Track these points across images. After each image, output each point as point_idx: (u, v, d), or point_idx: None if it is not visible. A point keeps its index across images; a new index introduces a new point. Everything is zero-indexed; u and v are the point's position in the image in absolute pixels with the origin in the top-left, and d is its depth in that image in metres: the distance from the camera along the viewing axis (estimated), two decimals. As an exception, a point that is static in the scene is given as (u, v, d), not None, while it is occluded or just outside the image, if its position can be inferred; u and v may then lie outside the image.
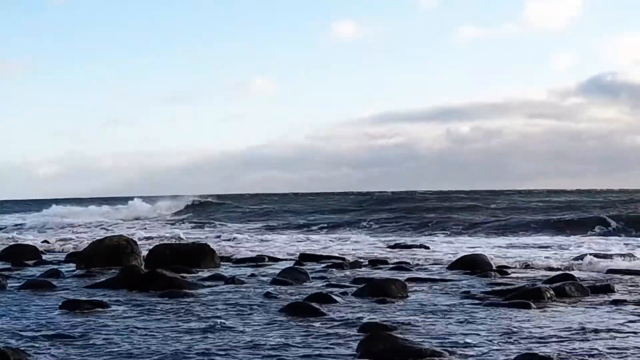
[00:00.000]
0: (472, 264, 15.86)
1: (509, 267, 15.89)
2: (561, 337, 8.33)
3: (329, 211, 44.28)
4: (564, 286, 11.55)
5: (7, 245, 21.44)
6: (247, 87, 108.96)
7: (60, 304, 10.60)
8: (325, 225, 34.42)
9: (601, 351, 7.60)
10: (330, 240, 25.06)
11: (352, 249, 21.23)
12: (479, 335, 8.47)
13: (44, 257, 19.46)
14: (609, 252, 18.23)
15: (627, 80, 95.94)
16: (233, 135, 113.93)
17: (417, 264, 16.98)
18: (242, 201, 60.18)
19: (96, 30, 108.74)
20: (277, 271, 14.47)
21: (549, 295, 10.93)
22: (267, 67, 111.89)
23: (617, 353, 7.53)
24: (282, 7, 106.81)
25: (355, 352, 7.53)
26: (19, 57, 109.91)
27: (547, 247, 21.48)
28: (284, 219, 39.63)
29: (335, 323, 9.25)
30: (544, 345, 7.86)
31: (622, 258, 16.75)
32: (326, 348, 7.85)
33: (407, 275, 14.40)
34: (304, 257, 18.37)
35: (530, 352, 7.37)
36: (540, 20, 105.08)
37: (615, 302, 10.73)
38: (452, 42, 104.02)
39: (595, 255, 17.01)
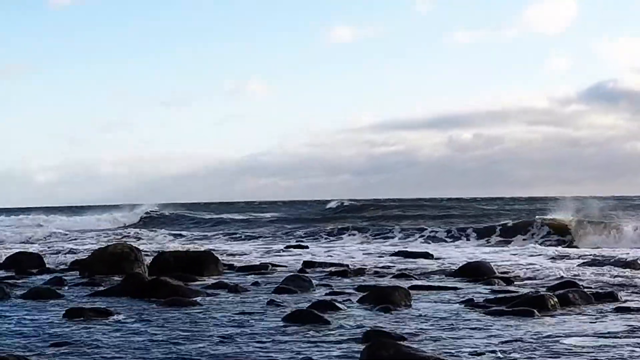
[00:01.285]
0: (476, 271, 15.85)
1: (513, 275, 15.89)
2: (565, 345, 8.32)
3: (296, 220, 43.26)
4: (568, 294, 11.53)
5: (10, 254, 21.46)
6: (245, 90, 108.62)
7: (64, 312, 10.61)
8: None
9: (605, 359, 7.59)
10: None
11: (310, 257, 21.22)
12: (482, 343, 8.47)
13: (47, 265, 19.47)
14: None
15: (627, 87, 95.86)
16: (231, 140, 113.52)
17: (420, 272, 16.96)
18: (230, 209, 59.78)
19: (93, 33, 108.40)
20: (281, 279, 14.48)
21: (552, 302, 10.90)
22: (265, 71, 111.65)
23: (621, 361, 7.54)
24: (280, 12, 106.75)
25: (359, 360, 7.54)
26: (16, 61, 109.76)
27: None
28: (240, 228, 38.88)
29: (339, 331, 9.25)
30: (548, 354, 7.86)
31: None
32: (330, 356, 7.85)
33: (411, 282, 14.40)
34: (308, 265, 18.38)
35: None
36: (540, 28, 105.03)
37: (620, 310, 10.71)
38: (452, 49, 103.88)
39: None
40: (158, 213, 50.40)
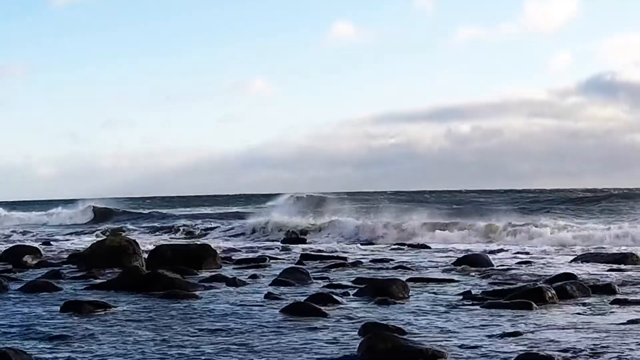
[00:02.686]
0: (473, 264, 15.87)
1: (511, 266, 15.91)
2: (562, 337, 8.32)
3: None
4: (565, 286, 11.53)
5: (8, 247, 21.46)
6: (246, 87, 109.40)
7: (61, 305, 10.58)
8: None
9: (603, 351, 7.59)
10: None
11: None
12: (480, 335, 8.47)
13: (44, 258, 19.44)
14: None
15: (625, 80, 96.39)
16: (232, 136, 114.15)
17: (418, 264, 16.98)
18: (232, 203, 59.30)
19: (95, 32, 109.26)
20: (279, 272, 14.47)
21: (550, 295, 10.90)
22: (266, 68, 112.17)
23: (619, 353, 7.52)
24: (281, 8, 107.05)
25: (356, 353, 7.53)
26: (19, 60, 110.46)
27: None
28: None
29: (337, 323, 9.25)
30: (546, 346, 7.85)
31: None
32: (327, 348, 7.85)
33: (408, 275, 14.41)
34: (306, 257, 18.38)
35: (531, 352, 7.37)
36: (539, 21, 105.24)
37: (617, 302, 10.71)
38: (452, 42, 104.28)
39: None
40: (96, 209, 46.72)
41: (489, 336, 8.39)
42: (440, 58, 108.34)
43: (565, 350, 7.61)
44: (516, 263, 16.83)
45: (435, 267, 16.39)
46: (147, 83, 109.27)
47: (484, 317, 9.61)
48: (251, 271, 15.44)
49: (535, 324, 9.09)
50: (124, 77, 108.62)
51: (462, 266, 15.81)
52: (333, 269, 15.82)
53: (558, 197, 48.24)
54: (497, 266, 15.95)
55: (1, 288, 12.51)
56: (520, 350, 7.53)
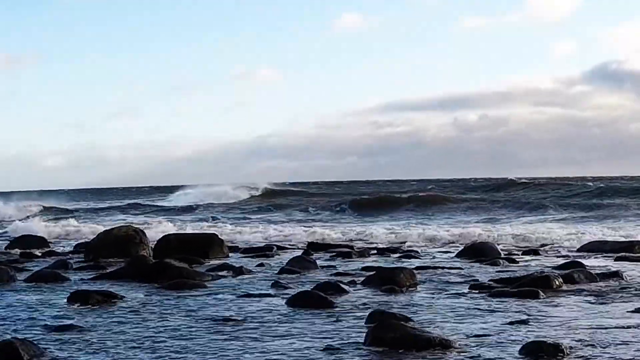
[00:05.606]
0: (481, 252, 15.84)
1: (517, 255, 15.89)
2: (570, 325, 8.30)
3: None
4: (573, 274, 11.52)
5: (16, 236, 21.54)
6: (254, 77, 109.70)
7: (68, 295, 10.59)
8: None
9: (610, 339, 7.57)
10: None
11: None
12: (487, 323, 8.45)
13: (52, 247, 19.49)
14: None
15: (631, 69, 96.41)
16: (239, 125, 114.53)
17: (426, 252, 16.97)
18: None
19: (102, 23, 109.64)
20: (286, 261, 14.47)
21: (557, 283, 10.88)
22: (273, 57, 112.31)
23: (626, 341, 7.50)
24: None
25: (363, 341, 7.51)
26: (26, 51, 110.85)
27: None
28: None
29: (344, 312, 9.24)
30: (553, 334, 7.83)
31: None
32: (335, 337, 7.84)
33: (416, 263, 14.39)
34: (313, 246, 18.39)
35: (539, 340, 7.34)
36: (544, 9, 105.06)
37: (624, 290, 10.69)
38: (458, 32, 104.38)
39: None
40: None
41: (497, 324, 8.37)
42: (446, 47, 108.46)
43: (572, 338, 7.59)
44: (523, 252, 16.81)
45: (442, 255, 16.37)
46: (154, 73, 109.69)
47: (491, 306, 9.59)
48: (258, 260, 15.45)
49: (543, 312, 9.07)
50: (130, 68, 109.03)
51: (469, 254, 15.79)
52: (340, 258, 15.81)
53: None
54: (504, 255, 15.92)
55: (8, 278, 12.53)
56: (528, 338, 7.50)
